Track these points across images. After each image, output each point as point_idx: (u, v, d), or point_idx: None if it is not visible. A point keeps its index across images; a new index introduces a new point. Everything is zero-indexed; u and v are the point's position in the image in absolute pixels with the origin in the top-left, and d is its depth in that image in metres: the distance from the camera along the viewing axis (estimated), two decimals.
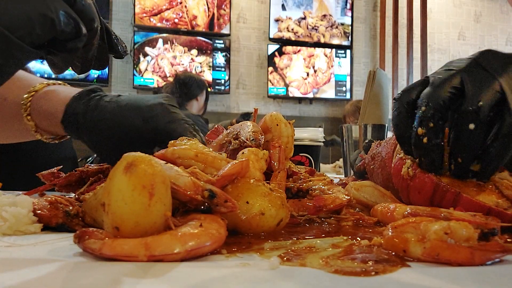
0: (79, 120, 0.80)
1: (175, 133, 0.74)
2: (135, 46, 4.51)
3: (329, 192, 0.67)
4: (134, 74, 4.52)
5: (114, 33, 0.60)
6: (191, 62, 4.73)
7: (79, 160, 2.70)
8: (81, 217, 0.56)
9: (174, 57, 4.67)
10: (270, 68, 4.92)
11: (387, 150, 0.73)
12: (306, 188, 0.69)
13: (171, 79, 3.97)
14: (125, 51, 0.63)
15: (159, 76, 4.60)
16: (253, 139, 0.68)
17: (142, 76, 4.55)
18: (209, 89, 3.84)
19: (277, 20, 4.98)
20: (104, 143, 0.80)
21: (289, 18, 5.03)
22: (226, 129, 0.78)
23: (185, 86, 3.33)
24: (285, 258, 0.43)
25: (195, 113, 3.34)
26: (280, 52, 4.98)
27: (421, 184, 0.60)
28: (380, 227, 0.60)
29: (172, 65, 4.63)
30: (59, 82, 0.91)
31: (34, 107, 0.85)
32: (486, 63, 0.59)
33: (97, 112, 0.78)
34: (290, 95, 4.98)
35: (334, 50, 5.17)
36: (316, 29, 5.12)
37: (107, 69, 4.40)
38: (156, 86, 4.49)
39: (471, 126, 0.56)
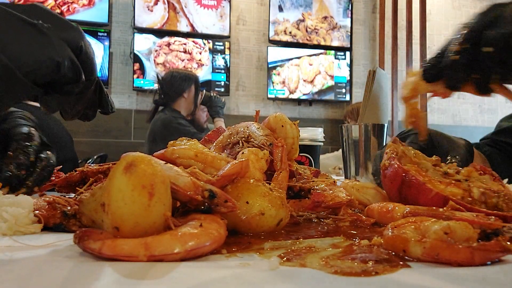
0: None
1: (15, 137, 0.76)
2: (135, 49, 4.51)
3: (330, 191, 0.67)
4: (133, 77, 4.51)
5: (106, 91, 0.66)
6: (190, 64, 4.73)
7: (79, 161, 2.70)
8: (78, 218, 0.56)
9: (174, 60, 4.67)
10: (272, 70, 4.93)
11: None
12: (308, 187, 0.69)
13: None
14: (112, 108, 0.68)
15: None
16: (270, 144, 0.68)
17: (141, 78, 4.55)
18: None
19: (274, 23, 4.98)
20: None
21: (287, 20, 5.03)
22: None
23: (168, 85, 3.04)
24: (285, 258, 0.43)
25: (185, 112, 3.08)
26: (281, 55, 4.98)
27: (393, 174, 0.64)
28: (378, 227, 0.60)
29: (172, 67, 4.63)
30: None
31: None
32: None
33: None
34: (290, 97, 4.98)
35: (333, 52, 5.17)
36: (316, 31, 5.12)
37: (107, 71, 4.40)
38: (155, 88, 4.49)
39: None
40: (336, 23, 5.19)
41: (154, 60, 4.59)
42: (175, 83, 3.04)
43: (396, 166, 0.65)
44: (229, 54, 4.82)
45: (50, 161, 0.76)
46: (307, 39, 5.10)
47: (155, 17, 4.59)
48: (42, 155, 0.75)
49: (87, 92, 0.59)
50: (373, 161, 1.05)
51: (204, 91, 3.23)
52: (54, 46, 0.50)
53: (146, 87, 4.52)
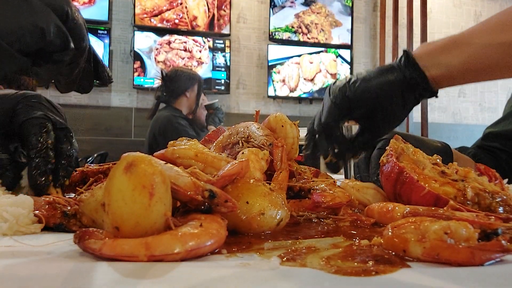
0: None
1: (27, 131, 0.69)
2: (135, 47, 4.50)
3: (331, 192, 0.67)
4: (134, 75, 4.51)
5: (102, 61, 0.63)
6: (190, 62, 4.73)
7: (79, 160, 2.70)
8: (78, 218, 0.56)
9: (174, 58, 4.66)
10: (273, 69, 4.92)
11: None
12: (308, 187, 0.69)
13: None
14: (110, 79, 0.66)
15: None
16: (270, 144, 0.68)
17: (141, 76, 4.55)
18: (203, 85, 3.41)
19: (274, 20, 4.97)
20: None
21: (287, 18, 5.03)
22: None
23: (171, 82, 3.06)
24: (285, 258, 0.43)
25: (186, 111, 3.10)
26: (282, 53, 4.98)
27: (389, 171, 0.65)
28: (378, 227, 0.60)
29: (172, 65, 4.62)
30: None
31: None
32: None
33: None
34: (291, 95, 4.98)
35: (334, 50, 5.16)
36: (317, 29, 5.12)
37: None
38: (156, 86, 4.48)
39: None
40: (337, 21, 5.18)
41: (155, 58, 4.58)
42: (178, 81, 3.07)
43: (392, 162, 0.65)
44: (229, 52, 4.81)
45: (72, 151, 0.70)
46: (307, 37, 5.09)
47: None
48: (63, 147, 0.69)
49: (80, 61, 0.57)
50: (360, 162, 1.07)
51: (217, 101, 3.30)
52: (37, 12, 0.49)
53: (146, 85, 4.52)
